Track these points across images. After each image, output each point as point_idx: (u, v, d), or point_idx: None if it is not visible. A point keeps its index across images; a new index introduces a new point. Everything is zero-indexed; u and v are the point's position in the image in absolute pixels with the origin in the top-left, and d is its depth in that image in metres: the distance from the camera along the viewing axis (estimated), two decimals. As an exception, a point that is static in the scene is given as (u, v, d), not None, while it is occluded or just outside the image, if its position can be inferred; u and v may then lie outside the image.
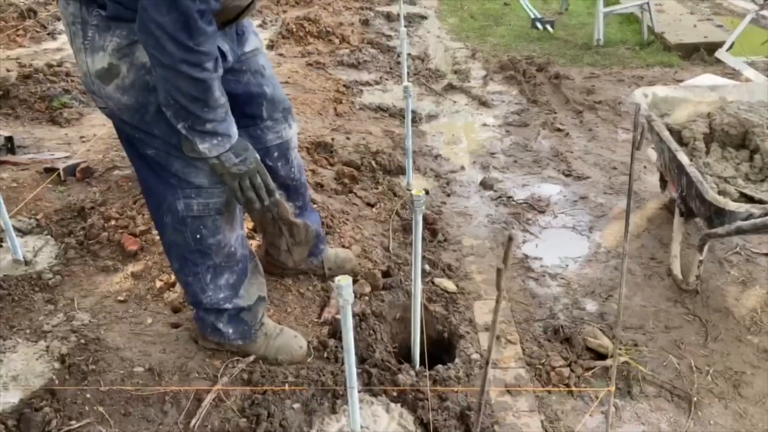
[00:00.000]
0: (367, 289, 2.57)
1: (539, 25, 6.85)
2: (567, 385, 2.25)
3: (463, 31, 6.92)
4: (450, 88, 5.21)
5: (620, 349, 2.40)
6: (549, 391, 2.23)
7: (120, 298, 2.44)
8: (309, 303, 2.52)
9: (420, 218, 1.94)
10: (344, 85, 5.03)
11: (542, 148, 4.13)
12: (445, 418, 2.01)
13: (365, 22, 6.88)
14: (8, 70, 4.62)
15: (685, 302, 2.67)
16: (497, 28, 6.98)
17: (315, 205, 2.89)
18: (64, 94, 4.34)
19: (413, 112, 4.49)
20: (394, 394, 2.09)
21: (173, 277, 2.46)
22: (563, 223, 3.31)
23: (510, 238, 0.99)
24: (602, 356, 2.38)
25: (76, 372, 2.02)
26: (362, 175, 3.58)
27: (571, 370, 2.31)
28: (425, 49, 6.11)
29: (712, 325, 2.54)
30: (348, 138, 4.02)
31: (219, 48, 1.81)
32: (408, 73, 4.70)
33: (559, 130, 4.37)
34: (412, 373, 2.16)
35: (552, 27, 6.79)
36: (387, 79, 5.35)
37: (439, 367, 2.24)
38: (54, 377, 2.00)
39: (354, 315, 2.38)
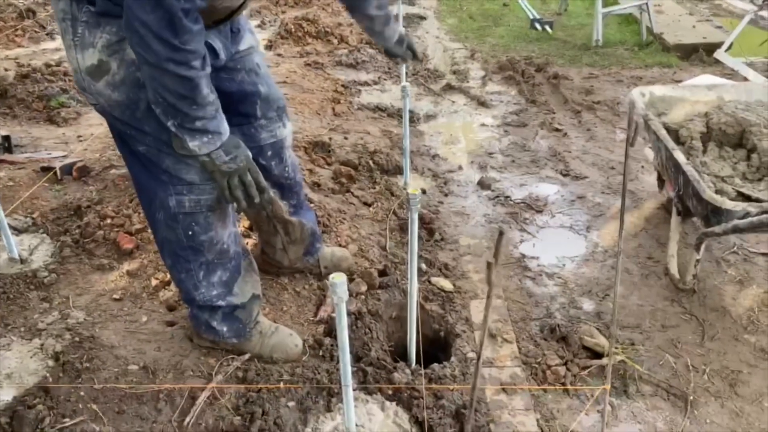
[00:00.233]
0: (363, 287, 2.57)
1: (538, 26, 6.85)
2: (563, 384, 2.25)
3: (462, 31, 6.92)
4: (448, 88, 5.21)
5: (616, 347, 2.39)
6: (545, 390, 2.22)
7: (115, 296, 2.44)
8: (305, 302, 2.51)
9: (416, 216, 1.93)
10: (342, 85, 5.03)
11: (540, 148, 4.13)
12: (440, 416, 2.00)
13: (364, 23, 6.87)
14: (6, 70, 4.61)
15: (682, 301, 2.66)
16: (496, 29, 6.98)
17: (312, 204, 2.88)
18: (61, 94, 4.33)
19: (411, 112, 4.50)
20: (390, 392, 2.08)
21: (169, 276, 2.45)
22: (561, 222, 3.31)
23: (501, 233, 0.98)
24: (599, 355, 2.38)
25: (70, 370, 2.01)
26: (360, 175, 3.57)
27: (567, 369, 2.30)
28: (424, 50, 6.10)
29: (709, 324, 2.53)
30: (346, 138, 4.02)
31: (211, 45, 1.81)
32: (406, 73, 4.69)
33: (557, 130, 4.36)
34: (408, 371, 2.15)
35: (551, 28, 6.79)
36: (385, 79, 5.35)
37: (435, 365, 2.24)
38: (48, 375, 1.99)
39: (350, 314, 2.38)
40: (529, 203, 3.46)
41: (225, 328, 2.10)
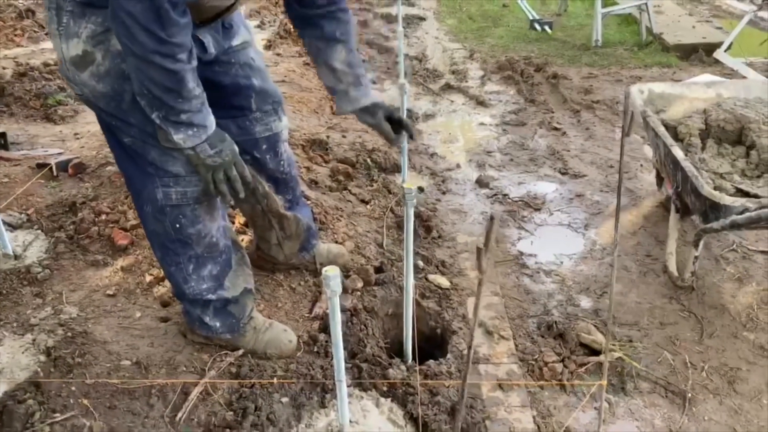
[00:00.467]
0: (359, 284, 2.55)
1: (537, 26, 6.84)
2: (560, 381, 2.22)
3: (461, 32, 6.91)
4: (447, 87, 5.20)
5: (614, 344, 2.37)
6: (541, 387, 2.20)
7: (109, 292, 2.42)
8: (300, 298, 2.49)
9: (411, 212, 1.91)
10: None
11: (539, 147, 4.11)
12: (435, 412, 1.98)
13: (364, 23, 6.88)
14: (4, 68, 4.61)
15: (681, 299, 2.64)
16: (496, 29, 6.98)
17: (309, 201, 2.87)
18: (59, 92, 4.32)
19: (410, 111, 4.49)
20: (384, 388, 2.06)
21: (163, 272, 2.44)
22: (559, 220, 3.29)
23: (492, 218, 0.96)
24: (596, 352, 2.35)
25: (61, 365, 1.99)
26: (357, 173, 3.56)
27: (564, 366, 2.28)
28: (423, 50, 6.10)
29: (708, 322, 2.51)
30: (344, 136, 4.00)
31: (200, 39, 1.80)
32: (405, 72, 4.69)
33: (556, 129, 4.35)
34: (403, 367, 2.13)
35: (550, 28, 6.78)
36: (384, 79, 5.34)
37: (431, 362, 2.22)
38: (39, 370, 1.97)
39: (345, 310, 2.36)
40: (527, 201, 3.45)
41: (218, 324, 2.08)
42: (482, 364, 2.30)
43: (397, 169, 3.66)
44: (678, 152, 2.59)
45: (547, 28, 6.78)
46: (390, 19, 7.23)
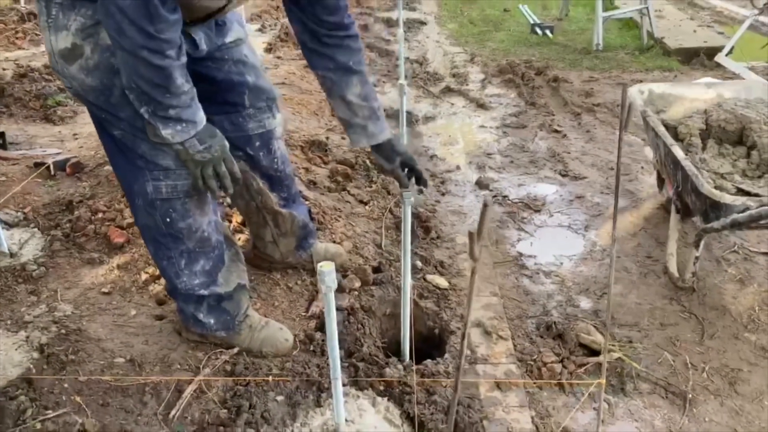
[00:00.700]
0: (357, 284, 2.53)
1: (538, 30, 6.84)
2: (558, 381, 2.20)
3: (462, 36, 6.91)
4: (448, 90, 5.19)
5: (614, 345, 2.35)
6: (540, 387, 2.18)
7: (104, 290, 2.40)
8: (297, 297, 2.47)
9: (409, 211, 1.90)
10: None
11: (539, 149, 4.10)
12: (432, 412, 1.95)
13: (364, 27, 6.88)
14: (4, 69, 4.61)
15: (681, 300, 2.61)
16: (497, 34, 6.98)
17: (307, 202, 2.85)
18: (58, 93, 4.32)
19: (410, 113, 4.48)
20: (381, 387, 2.04)
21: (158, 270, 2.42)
22: (559, 222, 3.27)
23: (485, 205, 0.95)
24: (595, 353, 2.33)
25: (54, 362, 1.97)
26: (356, 174, 3.54)
27: (563, 366, 2.25)
28: (424, 53, 6.10)
29: (709, 323, 2.49)
30: (343, 137, 3.98)
31: (191, 36, 1.79)
32: (406, 75, 4.67)
33: (556, 131, 4.34)
34: (400, 367, 2.11)
35: (551, 32, 6.78)
36: (384, 82, 5.33)
37: (428, 361, 2.19)
38: (32, 367, 1.95)
39: (343, 309, 2.34)
40: (527, 203, 3.43)
41: (212, 321, 2.06)
42: (480, 364, 2.28)
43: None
44: (678, 152, 2.57)
45: (548, 32, 6.79)
46: (391, 23, 7.25)
